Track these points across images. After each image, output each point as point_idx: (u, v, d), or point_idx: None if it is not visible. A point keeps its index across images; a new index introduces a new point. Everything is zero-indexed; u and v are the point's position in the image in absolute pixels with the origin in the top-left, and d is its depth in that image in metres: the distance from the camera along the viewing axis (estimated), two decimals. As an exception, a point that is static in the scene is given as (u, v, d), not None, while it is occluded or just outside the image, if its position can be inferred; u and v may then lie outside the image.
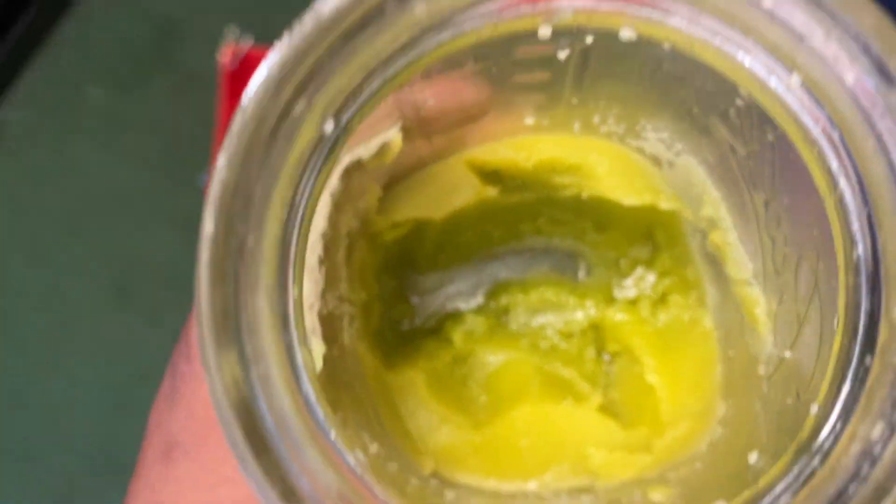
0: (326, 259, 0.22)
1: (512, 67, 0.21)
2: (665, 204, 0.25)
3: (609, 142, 0.25)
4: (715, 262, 0.25)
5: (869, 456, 0.11)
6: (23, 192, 0.39)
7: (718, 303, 0.26)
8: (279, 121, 0.11)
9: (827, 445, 0.12)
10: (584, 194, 0.26)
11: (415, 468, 0.25)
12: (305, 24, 0.11)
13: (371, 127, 0.21)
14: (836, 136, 0.12)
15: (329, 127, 0.12)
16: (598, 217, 0.27)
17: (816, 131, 0.12)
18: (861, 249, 0.12)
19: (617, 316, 0.28)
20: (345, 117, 0.13)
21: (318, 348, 0.13)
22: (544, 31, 0.13)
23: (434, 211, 0.26)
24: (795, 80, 0.12)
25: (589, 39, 0.19)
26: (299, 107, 0.12)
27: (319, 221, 0.22)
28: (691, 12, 0.13)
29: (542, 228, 0.28)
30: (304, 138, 0.12)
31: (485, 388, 0.27)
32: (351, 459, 0.12)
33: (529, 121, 0.25)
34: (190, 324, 0.21)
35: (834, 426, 0.12)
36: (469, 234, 0.27)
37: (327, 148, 0.13)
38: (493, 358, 0.27)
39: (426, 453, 0.25)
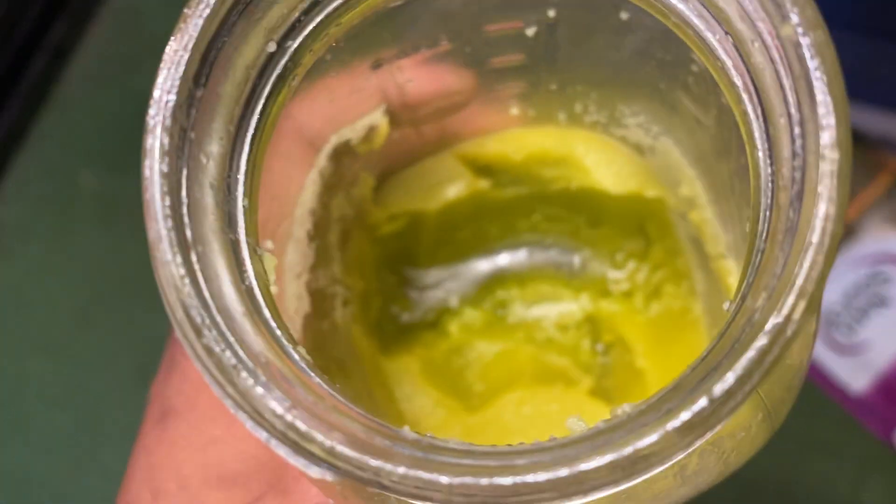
0: (317, 236, 0.24)
1: (485, 48, 0.22)
2: (651, 191, 0.26)
3: (594, 132, 0.26)
4: (699, 245, 0.26)
5: (749, 322, 0.12)
6: (28, 290, 0.38)
7: (705, 288, 0.26)
8: (218, 35, 0.13)
9: (724, 328, 0.13)
10: (573, 185, 0.27)
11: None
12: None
13: (352, 105, 0.22)
14: (730, 44, 0.13)
15: (272, 47, 0.14)
16: (590, 212, 0.28)
17: (716, 44, 0.13)
18: (760, 152, 0.13)
19: (611, 308, 0.28)
20: (290, 44, 0.14)
21: (270, 262, 0.14)
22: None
23: (428, 202, 0.27)
24: None
25: (552, 13, 0.21)
26: (239, 26, 0.13)
27: (308, 198, 0.23)
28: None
29: (538, 225, 0.28)
30: (247, 55, 0.13)
31: (480, 377, 0.28)
32: (294, 354, 0.13)
33: (515, 111, 0.26)
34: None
35: (734, 311, 0.13)
36: (466, 230, 0.28)
37: (275, 74, 0.14)
38: (488, 349, 0.28)
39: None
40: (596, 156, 0.26)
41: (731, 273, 0.23)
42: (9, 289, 0.38)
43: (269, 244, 0.20)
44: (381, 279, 0.28)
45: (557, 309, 0.29)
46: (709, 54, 0.14)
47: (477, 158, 0.27)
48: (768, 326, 0.12)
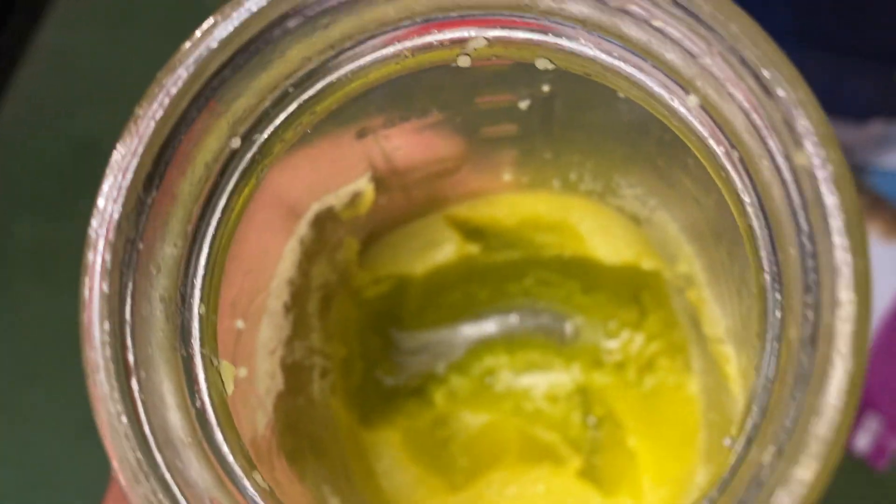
0: (294, 307, 0.22)
1: (477, 118, 0.21)
2: (647, 263, 0.25)
3: (590, 200, 0.25)
4: (696, 324, 0.24)
5: (756, 481, 0.11)
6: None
7: (702, 366, 0.25)
8: (174, 134, 0.11)
9: (728, 476, 0.12)
10: (567, 253, 0.26)
11: (383, 527, 0.24)
12: (206, 41, 0.11)
13: (336, 173, 0.21)
14: (736, 157, 0.12)
15: (236, 143, 0.13)
16: (584, 278, 0.27)
17: (721, 155, 0.12)
18: (767, 276, 0.12)
19: (603, 379, 0.27)
20: (258, 137, 0.13)
21: (228, 372, 0.13)
22: (463, 61, 0.14)
23: (415, 267, 0.26)
24: (693, 101, 0.12)
25: (546, 88, 0.19)
26: (199, 122, 0.12)
27: (286, 268, 0.22)
28: (598, 39, 0.13)
29: (530, 290, 0.27)
30: (208, 151, 0.12)
31: (464, 451, 0.27)
32: (247, 484, 0.12)
33: (507, 177, 0.25)
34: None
35: (738, 457, 0.12)
36: (455, 293, 0.27)
37: (240, 168, 0.13)
38: (474, 420, 0.27)
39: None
40: (591, 224, 0.25)
41: (730, 360, 0.21)
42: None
43: (239, 324, 0.19)
44: (364, 342, 0.26)
45: (547, 379, 0.27)
46: (714, 164, 0.13)
47: (467, 222, 0.26)
48: (775, 498, 0.11)
